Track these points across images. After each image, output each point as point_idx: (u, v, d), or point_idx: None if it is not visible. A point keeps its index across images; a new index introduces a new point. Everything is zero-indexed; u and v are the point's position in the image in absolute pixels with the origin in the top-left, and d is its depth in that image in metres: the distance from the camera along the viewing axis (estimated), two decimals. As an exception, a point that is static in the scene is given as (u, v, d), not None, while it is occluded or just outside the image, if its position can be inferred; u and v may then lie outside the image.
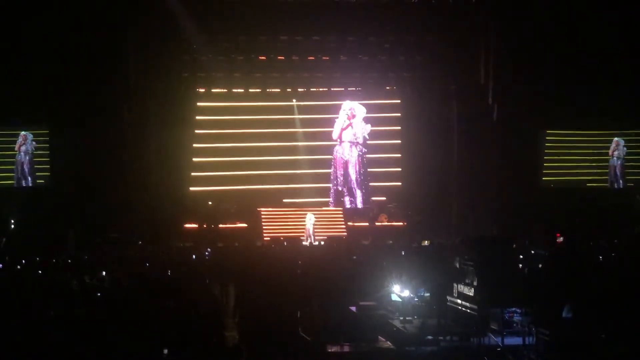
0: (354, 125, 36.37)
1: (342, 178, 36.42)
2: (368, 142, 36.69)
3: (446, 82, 35.26)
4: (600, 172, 35.62)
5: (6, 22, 30.00)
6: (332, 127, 36.53)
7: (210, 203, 34.28)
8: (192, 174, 35.11)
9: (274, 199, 35.09)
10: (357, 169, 36.42)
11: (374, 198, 36.44)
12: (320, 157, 36.55)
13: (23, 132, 33.27)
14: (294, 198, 35.77)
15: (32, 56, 30.60)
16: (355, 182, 36.40)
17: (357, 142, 36.45)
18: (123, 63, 31.80)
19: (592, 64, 32.23)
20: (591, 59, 32.15)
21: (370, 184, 36.65)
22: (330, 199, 36.34)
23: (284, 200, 35.31)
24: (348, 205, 36.16)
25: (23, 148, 33.30)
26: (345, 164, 36.43)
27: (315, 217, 33.28)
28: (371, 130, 36.65)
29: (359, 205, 36.31)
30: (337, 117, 36.44)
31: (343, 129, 36.38)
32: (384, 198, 36.15)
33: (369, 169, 36.68)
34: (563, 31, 31.71)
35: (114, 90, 31.70)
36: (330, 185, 36.53)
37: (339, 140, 36.50)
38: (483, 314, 15.79)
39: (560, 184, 34.79)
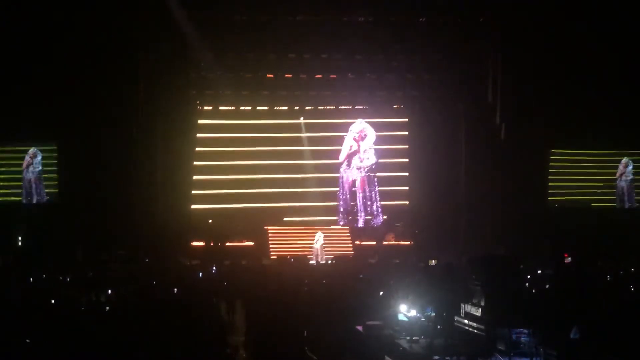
0: (362, 149, 36.28)
1: (349, 197, 36.36)
2: (375, 160, 36.65)
3: (454, 100, 35.26)
4: (608, 192, 35.57)
5: (17, 40, 30.14)
6: (340, 145, 36.51)
7: (210, 221, 34.31)
8: (194, 192, 35.18)
9: (276, 218, 35.08)
10: (365, 189, 36.34)
11: (368, 217, 36.26)
12: (326, 175, 36.54)
13: (32, 149, 33.38)
14: (298, 216, 35.73)
15: (42, 73, 30.71)
16: (362, 201, 36.32)
17: (364, 167, 36.34)
18: (131, 80, 31.88)
19: (600, 84, 32.25)
20: (599, 79, 32.17)
21: (378, 203, 36.58)
22: (339, 217, 36.26)
23: (285, 219, 35.23)
24: (360, 224, 36.04)
25: (30, 167, 33.38)
26: (352, 183, 36.39)
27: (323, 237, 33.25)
28: (379, 149, 36.62)
29: (361, 224, 36.16)
30: (346, 136, 36.40)
31: (349, 154, 36.32)
32: (384, 217, 36.07)
33: (377, 188, 36.61)
34: (571, 51, 31.74)
35: (121, 107, 31.79)
36: (338, 203, 36.46)
37: (345, 162, 36.44)
38: (490, 334, 15.71)
39: (565, 203, 34.74)
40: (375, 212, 36.33)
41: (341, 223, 35.97)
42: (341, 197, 36.43)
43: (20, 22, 29.98)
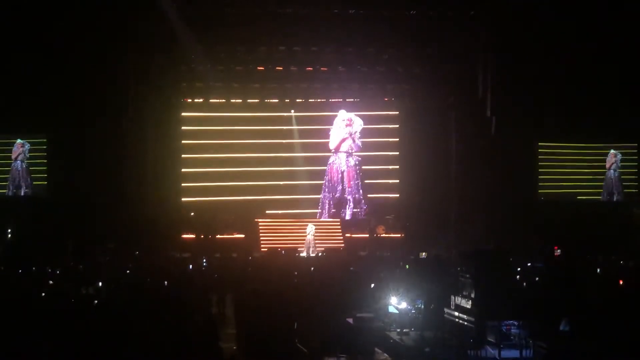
0: (351, 136, 36.28)
1: (336, 188, 36.25)
2: (365, 153, 36.64)
3: (444, 94, 35.29)
4: (594, 185, 35.71)
5: (8, 32, 30.03)
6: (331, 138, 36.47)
7: (192, 214, 34.31)
8: (184, 184, 35.17)
9: (265, 210, 35.05)
10: (353, 180, 36.32)
11: (355, 210, 36.14)
12: (317, 168, 36.50)
13: (19, 140, 33.27)
14: (289, 209, 35.71)
15: (32, 66, 30.61)
16: (349, 193, 36.28)
17: (353, 153, 36.36)
18: (122, 73, 31.80)
19: (589, 77, 32.39)
20: (587, 73, 32.30)
21: (368, 195, 36.57)
22: (319, 210, 36.17)
23: (268, 212, 35.13)
24: (346, 217, 35.99)
25: (20, 156, 33.29)
26: (341, 175, 36.32)
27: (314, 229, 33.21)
28: (369, 141, 36.63)
29: (348, 217, 36.06)
30: (334, 125, 36.30)
31: (342, 140, 36.24)
32: (365, 207, 35.99)
33: (366, 181, 36.61)
34: (560, 45, 31.85)
35: (112, 100, 31.72)
36: (321, 196, 36.38)
37: (334, 150, 36.39)
38: (480, 327, 15.76)
39: (551, 196, 34.87)
40: (361, 204, 36.28)
41: (322, 217, 35.81)
42: (327, 189, 36.31)
43: (11, 15, 29.85)
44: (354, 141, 36.25)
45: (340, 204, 36.28)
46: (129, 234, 30.30)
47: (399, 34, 32.72)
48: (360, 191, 36.33)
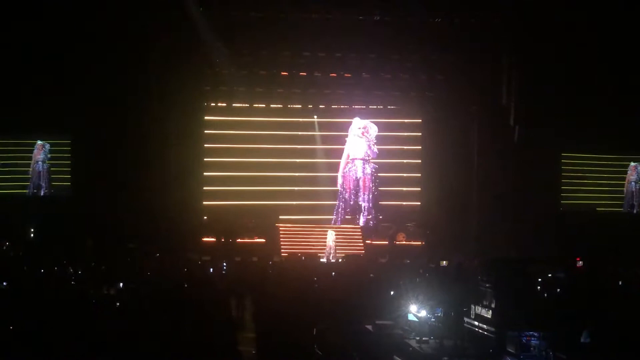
0: (367, 144, 36.14)
1: (351, 195, 36.15)
2: (387, 160, 36.57)
3: (467, 102, 35.19)
4: (615, 197, 35.52)
5: (32, 38, 30.29)
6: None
7: (205, 218, 34.37)
8: (206, 188, 35.28)
9: (282, 215, 35.01)
10: (368, 187, 36.21)
11: (368, 217, 36.04)
12: (338, 174, 36.46)
13: (40, 142, 33.56)
14: (306, 215, 35.66)
15: (57, 68, 30.85)
16: (364, 200, 36.18)
17: (369, 159, 36.24)
18: (146, 76, 31.97)
19: (613, 88, 32.23)
20: (612, 84, 32.14)
21: (390, 202, 36.46)
22: (334, 217, 36.11)
23: (281, 217, 35.07)
24: (360, 224, 35.88)
25: (41, 157, 33.57)
26: (357, 182, 36.21)
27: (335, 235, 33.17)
28: (391, 149, 36.55)
29: (361, 224, 35.92)
30: (349, 134, 36.21)
31: (355, 149, 36.04)
32: (380, 216, 35.89)
33: (387, 188, 36.52)
34: (584, 55, 31.70)
35: (136, 102, 31.89)
36: (337, 202, 36.30)
37: (350, 159, 36.25)
38: (500, 337, 15.69)
39: (570, 207, 34.69)
40: (372, 212, 36.16)
41: (336, 224, 35.69)
42: (342, 195, 36.20)
43: (36, 17, 30.10)
44: (370, 148, 36.21)
45: (354, 211, 36.16)
46: (151, 235, 30.44)
47: (422, 41, 32.72)
48: (371, 199, 36.10)
